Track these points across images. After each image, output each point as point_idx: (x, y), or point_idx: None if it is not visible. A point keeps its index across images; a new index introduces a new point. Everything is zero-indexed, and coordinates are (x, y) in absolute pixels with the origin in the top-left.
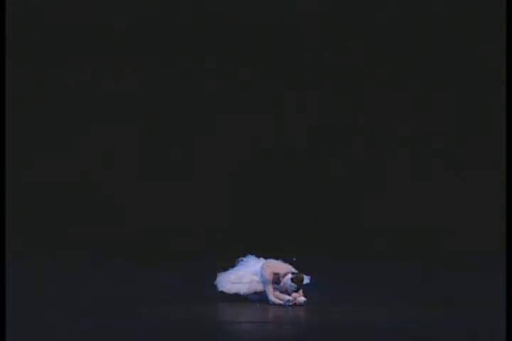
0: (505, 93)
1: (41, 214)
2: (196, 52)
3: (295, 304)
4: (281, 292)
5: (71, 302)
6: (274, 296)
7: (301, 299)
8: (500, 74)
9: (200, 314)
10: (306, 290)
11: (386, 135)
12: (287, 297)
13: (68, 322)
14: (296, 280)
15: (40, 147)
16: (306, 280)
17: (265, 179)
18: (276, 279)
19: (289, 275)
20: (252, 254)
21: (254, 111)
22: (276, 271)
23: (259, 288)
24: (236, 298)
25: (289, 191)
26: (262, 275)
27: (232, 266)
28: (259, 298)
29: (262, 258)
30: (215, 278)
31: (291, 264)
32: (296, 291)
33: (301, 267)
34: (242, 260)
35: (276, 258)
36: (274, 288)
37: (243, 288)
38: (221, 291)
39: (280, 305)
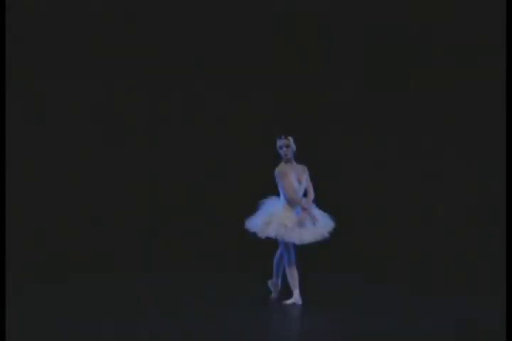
0: (505, 92)
1: (41, 214)
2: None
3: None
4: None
5: (71, 305)
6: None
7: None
8: (500, 74)
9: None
10: None
11: (385, 133)
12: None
13: (68, 324)
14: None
15: (40, 150)
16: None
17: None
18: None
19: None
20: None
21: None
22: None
23: (288, 232)
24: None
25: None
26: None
27: (256, 209)
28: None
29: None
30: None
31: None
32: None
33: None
34: (263, 202)
35: None
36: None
37: (272, 232)
38: (254, 233)
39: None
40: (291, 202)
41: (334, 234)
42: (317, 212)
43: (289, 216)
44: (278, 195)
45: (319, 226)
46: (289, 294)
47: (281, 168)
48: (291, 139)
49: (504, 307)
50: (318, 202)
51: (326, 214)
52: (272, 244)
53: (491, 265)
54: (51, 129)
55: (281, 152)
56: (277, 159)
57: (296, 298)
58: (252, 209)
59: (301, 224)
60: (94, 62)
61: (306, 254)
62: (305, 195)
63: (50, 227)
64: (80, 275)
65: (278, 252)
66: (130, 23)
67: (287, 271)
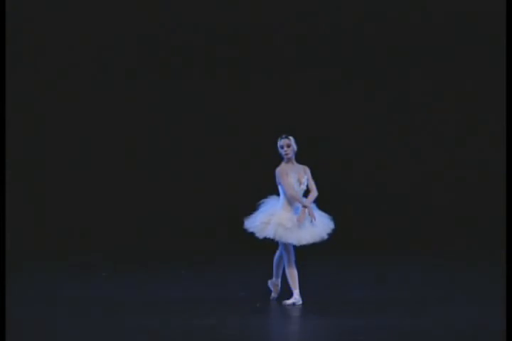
0: (506, 90)
1: (41, 215)
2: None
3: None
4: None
5: (70, 303)
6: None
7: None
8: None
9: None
10: None
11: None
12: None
13: (68, 323)
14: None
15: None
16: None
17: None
18: None
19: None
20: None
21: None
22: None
23: (287, 234)
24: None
25: None
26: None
27: (256, 209)
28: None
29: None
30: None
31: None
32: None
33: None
34: (263, 202)
35: None
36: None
37: (271, 232)
38: (252, 232)
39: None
40: (291, 201)
41: (334, 234)
42: (317, 213)
43: (287, 216)
44: (278, 194)
45: (318, 227)
46: (288, 294)
47: (281, 168)
48: (292, 139)
49: (504, 307)
50: (320, 202)
51: (326, 215)
52: (272, 243)
53: (491, 266)
54: (50, 128)
55: (282, 151)
56: (278, 159)
57: (296, 298)
58: (252, 208)
59: (299, 223)
60: (93, 60)
61: (306, 254)
62: (305, 195)
63: (49, 225)
64: (79, 273)
65: (278, 252)
66: (130, 23)
67: (287, 271)
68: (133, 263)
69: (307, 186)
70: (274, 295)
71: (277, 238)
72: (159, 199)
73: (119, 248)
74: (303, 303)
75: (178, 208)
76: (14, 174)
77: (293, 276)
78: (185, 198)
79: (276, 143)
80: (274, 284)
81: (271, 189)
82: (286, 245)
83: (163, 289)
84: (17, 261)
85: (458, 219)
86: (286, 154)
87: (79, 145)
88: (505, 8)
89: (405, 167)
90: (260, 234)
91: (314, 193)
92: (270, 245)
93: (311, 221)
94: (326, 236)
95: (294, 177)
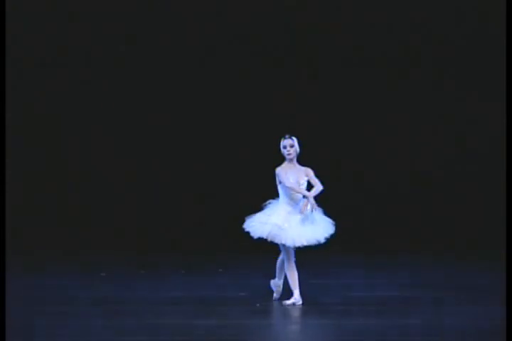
0: (506, 88)
1: (41, 214)
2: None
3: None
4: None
5: (70, 303)
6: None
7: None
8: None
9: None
10: None
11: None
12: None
13: (67, 323)
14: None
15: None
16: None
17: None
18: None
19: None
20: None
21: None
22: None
23: (282, 233)
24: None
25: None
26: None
27: (260, 209)
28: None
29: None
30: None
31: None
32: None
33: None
34: (269, 203)
35: None
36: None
37: (265, 232)
38: (247, 232)
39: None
40: (291, 201)
41: (333, 234)
42: (319, 216)
43: (285, 217)
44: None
45: (317, 230)
46: (289, 294)
47: (281, 168)
48: (295, 139)
49: (504, 307)
50: (320, 202)
51: (329, 220)
52: (272, 243)
53: (491, 266)
54: (48, 124)
55: (285, 151)
56: (279, 159)
57: (296, 298)
58: (252, 208)
59: (301, 213)
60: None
61: (305, 255)
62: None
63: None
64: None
65: (281, 255)
66: (130, 23)
67: (287, 271)
68: (133, 263)
69: (307, 187)
70: (276, 296)
71: (270, 238)
72: (159, 199)
73: (119, 248)
74: (303, 303)
75: (178, 208)
76: (14, 174)
77: (293, 276)
78: (185, 198)
79: (279, 144)
80: (276, 285)
81: (271, 189)
82: (285, 245)
83: (163, 289)
84: (17, 261)
85: (458, 219)
86: (289, 154)
87: (79, 145)
88: (505, 8)
89: (405, 167)
90: (255, 234)
91: (319, 187)
92: (270, 245)
93: (312, 211)
94: (322, 240)
95: (294, 178)
